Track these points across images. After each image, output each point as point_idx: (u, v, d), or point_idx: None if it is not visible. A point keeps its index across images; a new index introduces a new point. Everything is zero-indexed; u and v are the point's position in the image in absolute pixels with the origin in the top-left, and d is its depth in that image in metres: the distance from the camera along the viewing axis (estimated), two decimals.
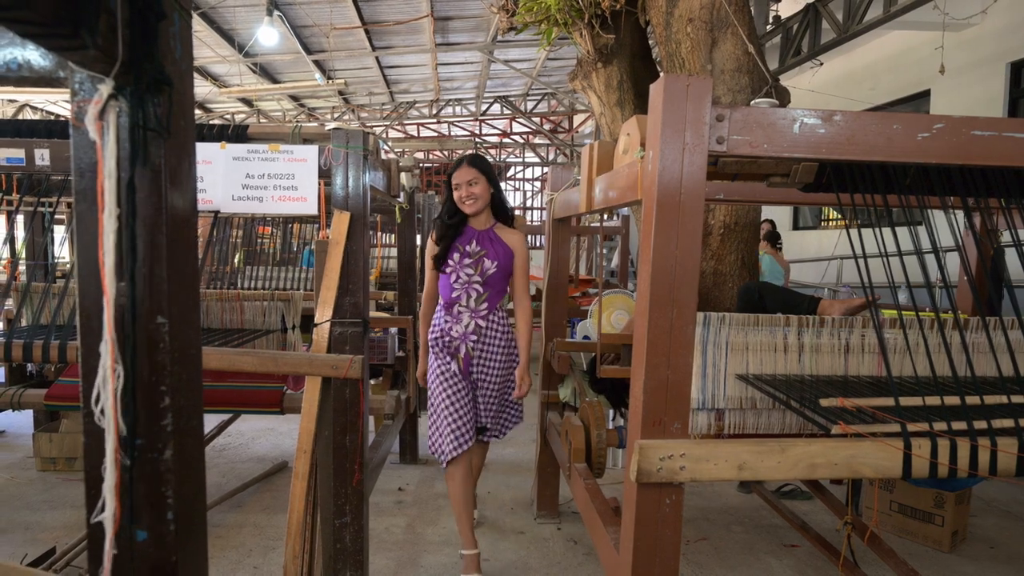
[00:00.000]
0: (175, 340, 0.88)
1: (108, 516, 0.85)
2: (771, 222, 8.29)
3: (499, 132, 21.22)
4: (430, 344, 3.35)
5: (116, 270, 0.81)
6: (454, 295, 3.27)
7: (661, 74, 5.09)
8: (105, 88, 0.78)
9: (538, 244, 16.86)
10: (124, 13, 0.76)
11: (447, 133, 20.50)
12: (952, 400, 1.79)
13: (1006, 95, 8.31)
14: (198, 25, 10.38)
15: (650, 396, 1.59)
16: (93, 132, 0.79)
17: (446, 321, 3.30)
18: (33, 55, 0.78)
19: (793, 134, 1.60)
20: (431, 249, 3.34)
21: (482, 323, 3.28)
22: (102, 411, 0.83)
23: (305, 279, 5.73)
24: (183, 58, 0.88)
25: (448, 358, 3.30)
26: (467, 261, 3.25)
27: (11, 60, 0.77)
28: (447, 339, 3.29)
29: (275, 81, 14.35)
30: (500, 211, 3.38)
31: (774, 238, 8.72)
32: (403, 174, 3.87)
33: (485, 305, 3.29)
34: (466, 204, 3.22)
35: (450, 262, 3.27)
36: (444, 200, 3.34)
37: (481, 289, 3.27)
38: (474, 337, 3.28)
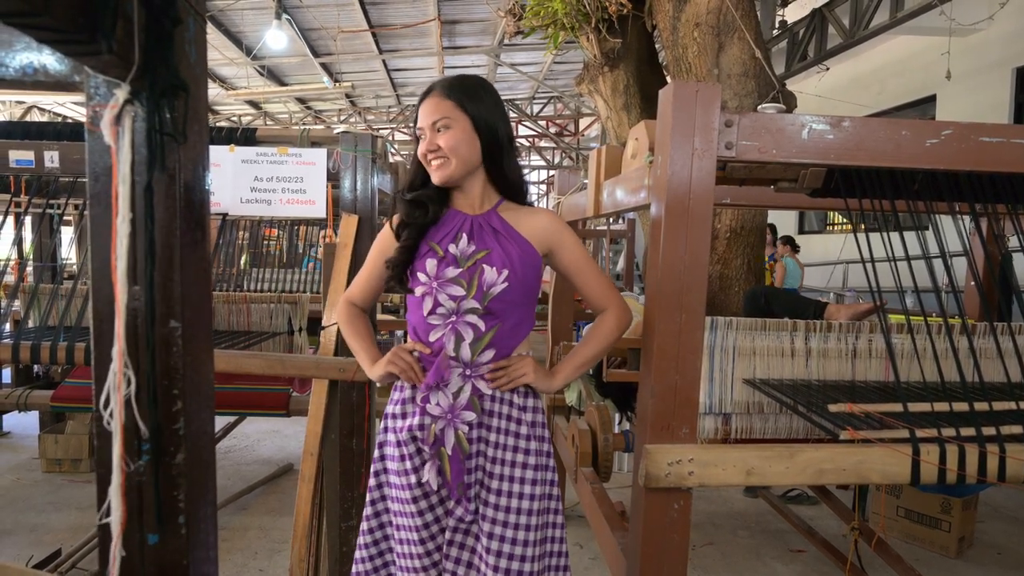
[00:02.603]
0: (188, 344, 0.88)
1: (115, 520, 0.86)
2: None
3: None
4: (381, 433, 1.93)
5: (129, 275, 0.82)
6: (433, 337, 1.82)
7: (667, 78, 5.11)
8: (121, 93, 0.79)
9: None
10: (140, 18, 0.77)
11: None
12: (960, 406, 1.78)
13: (1012, 100, 8.29)
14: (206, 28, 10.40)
15: (658, 401, 1.59)
16: (108, 137, 0.80)
17: (411, 388, 1.86)
18: (49, 59, 0.79)
19: (802, 140, 1.60)
20: (383, 244, 1.96)
21: (486, 390, 1.83)
22: (111, 415, 0.84)
23: (311, 281, 5.74)
24: (198, 63, 0.89)
25: (412, 463, 1.84)
26: (451, 272, 1.79)
27: (27, 65, 0.78)
28: (412, 425, 1.82)
29: (282, 84, 14.38)
30: (505, 180, 1.90)
31: (792, 241, 8.88)
32: None
33: (490, 355, 1.82)
34: (432, 165, 1.82)
35: (419, 275, 1.82)
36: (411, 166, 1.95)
37: (482, 324, 1.80)
38: (470, 419, 1.81)
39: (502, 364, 1.83)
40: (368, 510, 1.94)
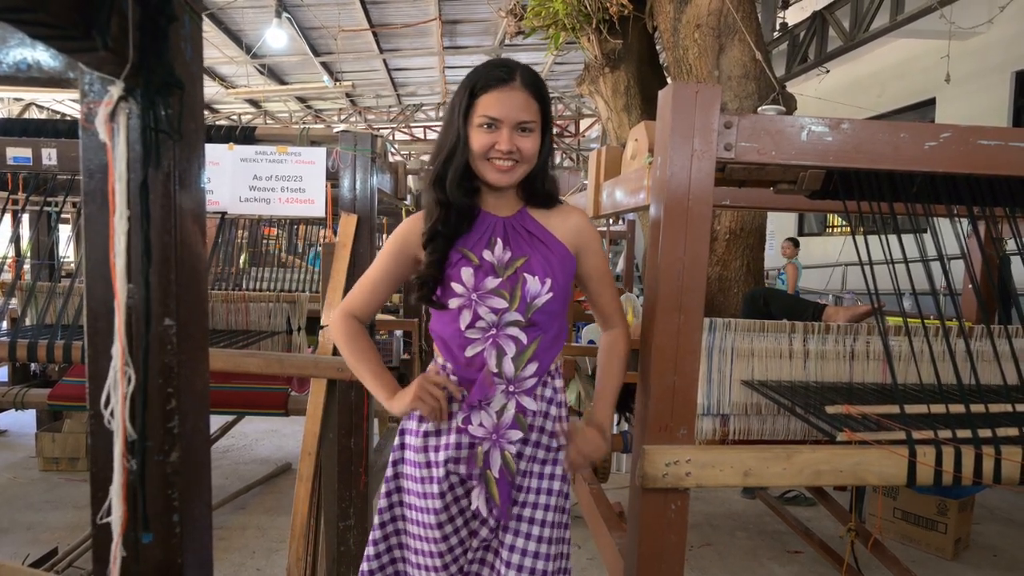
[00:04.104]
0: (183, 342, 0.88)
1: (115, 520, 0.86)
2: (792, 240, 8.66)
3: None
4: (396, 450, 1.80)
5: (125, 272, 0.82)
6: (471, 352, 1.67)
7: (668, 79, 5.11)
8: (116, 90, 0.78)
9: None
10: (135, 15, 0.77)
11: None
12: (957, 408, 1.78)
13: (1011, 104, 8.30)
14: (206, 26, 10.41)
15: (657, 401, 1.59)
16: (103, 134, 0.80)
17: (458, 411, 1.69)
18: (43, 56, 0.78)
19: (801, 142, 1.60)
20: (400, 249, 1.74)
21: (532, 406, 1.69)
22: (112, 414, 0.83)
23: (309, 280, 5.73)
24: (193, 60, 0.88)
25: (445, 489, 1.69)
26: (490, 283, 1.64)
27: (21, 61, 0.78)
28: (448, 445, 1.68)
29: (282, 83, 14.38)
30: (542, 184, 1.73)
31: (796, 242, 9.05)
32: (410, 177, 3.87)
33: (534, 369, 1.69)
34: (496, 164, 1.63)
35: (454, 286, 1.65)
36: (441, 152, 1.69)
37: (525, 337, 1.66)
38: (517, 438, 1.68)
39: (571, 455, 1.72)
40: (376, 533, 1.79)
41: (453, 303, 1.65)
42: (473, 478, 1.67)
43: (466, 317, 1.65)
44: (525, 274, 1.65)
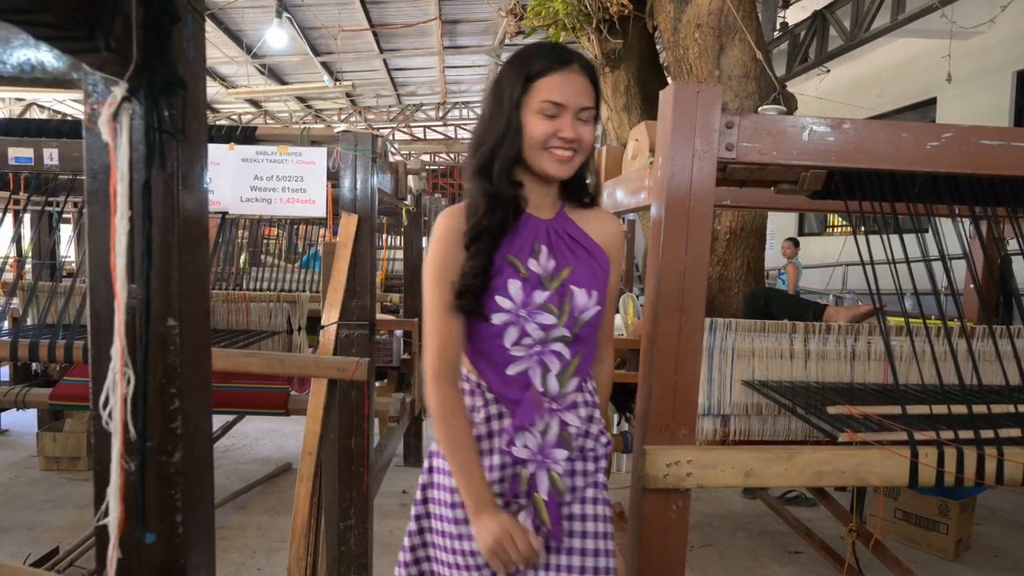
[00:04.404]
0: (186, 342, 0.88)
1: (112, 521, 0.86)
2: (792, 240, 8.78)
3: None
4: (426, 474, 1.67)
5: (128, 272, 0.82)
6: (513, 371, 1.53)
7: (668, 79, 5.11)
8: (119, 90, 0.78)
9: None
10: (139, 15, 0.77)
11: (454, 136, 20.51)
12: (959, 409, 1.78)
13: (1012, 104, 8.30)
14: (206, 26, 10.40)
15: (658, 402, 1.59)
16: (106, 134, 0.80)
17: (499, 431, 1.55)
18: (47, 56, 0.78)
19: (802, 142, 1.60)
20: (449, 260, 1.50)
21: (574, 423, 1.56)
22: (110, 414, 0.83)
23: (309, 281, 5.73)
24: (196, 60, 0.88)
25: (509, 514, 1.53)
26: (539, 297, 1.50)
27: (25, 61, 0.78)
28: (502, 472, 1.54)
29: (282, 82, 14.38)
30: (582, 176, 1.60)
31: (797, 242, 9.11)
32: (410, 177, 3.87)
33: (576, 384, 1.57)
34: (555, 155, 1.48)
35: (499, 300, 1.49)
36: (483, 142, 1.52)
37: (568, 352, 1.54)
38: (563, 457, 1.55)
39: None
40: (407, 555, 1.66)
41: (498, 318, 1.49)
42: (519, 500, 1.55)
43: (512, 334, 1.50)
44: (572, 286, 1.52)
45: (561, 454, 1.54)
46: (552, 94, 1.44)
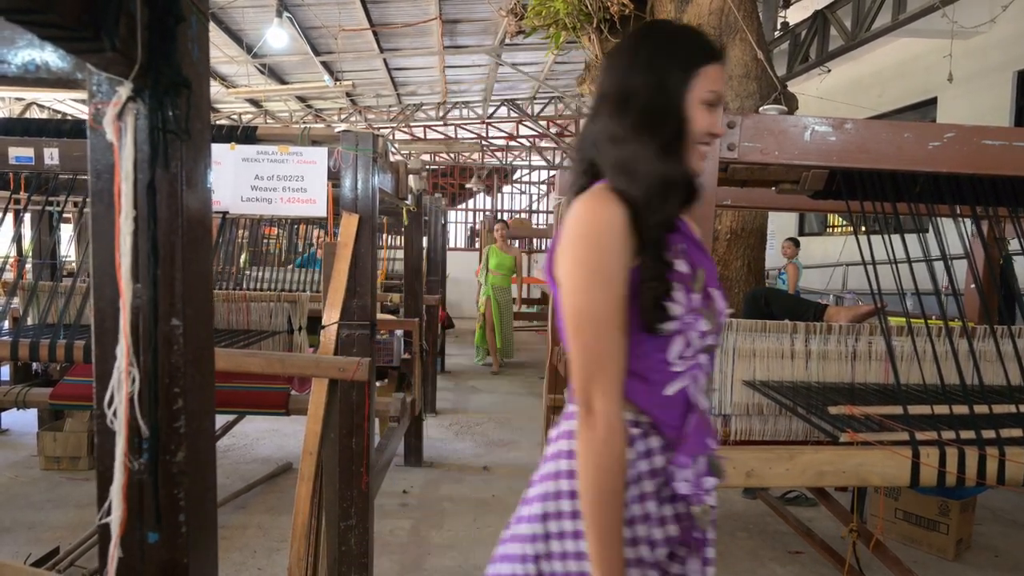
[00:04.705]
0: (189, 342, 0.88)
1: (115, 520, 0.86)
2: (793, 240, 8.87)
3: (506, 135, 21.22)
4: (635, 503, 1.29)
5: (132, 272, 0.82)
6: (672, 390, 1.31)
7: None
8: (124, 90, 0.79)
9: (544, 248, 16.90)
10: (143, 16, 0.77)
11: (454, 136, 20.51)
12: (960, 409, 1.78)
13: (1012, 103, 8.29)
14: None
15: None
16: (111, 134, 0.80)
17: (663, 460, 1.30)
18: (51, 57, 0.78)
19: (804, 142, 1.60)
20: (609, 265, 1.23)
21: (713, 444, 1.35)
22: (115, 413, 0.83)
23: (309, 281, 5.73)
24: (200, 60, 0.88)
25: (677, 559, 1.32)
26: (695, 301, 1.30)
27: (29, 62, 0.78)
28: (681, 519, 1.31)
29: (283, 82, 14.37)
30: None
31: (797, 242, 9.15)
32: (411, 176, 3.87)
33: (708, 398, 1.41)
34: (700, 150, 1.34)
35: (673, 306, 1.26)
36: (644, 128, 1.29)
37: (710, 363, 1.38)
38: (713, 485, 1.31)
39: None
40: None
41: (670, 327, 1.27)
42: (689, 545, 1.31)
43: (678, 346, 1.29)
44: (711, 289, 1.35)
45: (712, 482, 1.31)
46: (717, 84, 1.30)
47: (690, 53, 1.31)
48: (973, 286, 3.11)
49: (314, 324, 3.39)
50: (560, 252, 1.28)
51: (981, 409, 1.78)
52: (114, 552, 0.86)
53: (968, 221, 2.21)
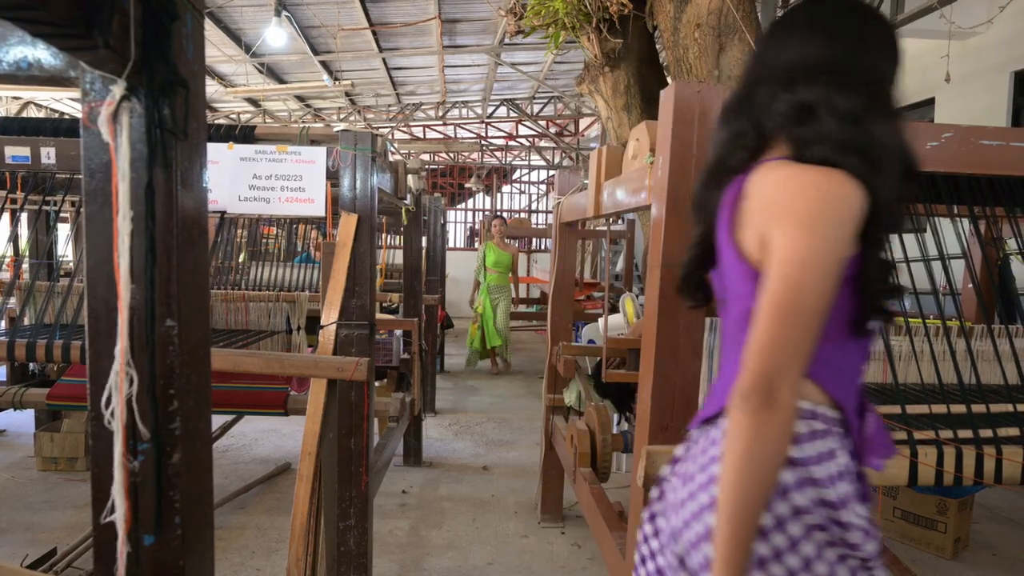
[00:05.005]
0: (184, 343, 0.88)
1: (119, 517, 0.85)
2: None
3: (505, 135, 21.23)
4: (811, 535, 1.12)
5: (130, 273, 0.81)
6: (861, 379, 1.25)
7: (668, 79, 5.11)
8: (117, 89, 0.78)
9: (543, 247, 16.91)
10: (137, 13, 0.76)
11: (453, 135, 20.51)
12: (958, 408, 1.78)
13: (1010, 104, 8.29)
14: (205, 24, 10.39)
15: (658, 401, 1.59)
16: (106, 133, 0.79)
17: (852, 459, 1.17)
18: (44, 54, 0.78)
19: None
20: (838, 248, 1.08)
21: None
22: (112, 414, 0.83)
23: (307, 280, 5.72)
24: (195, 59, 0.88)
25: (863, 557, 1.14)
26: None
27: (21, 59, 0.77)
28: (871, 532, 1.14)
29: (281, 81, 14.36)
30: None
31: None
32: (410, 176, 3.87)
33: None
34: None
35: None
36: (892, 110, 1.25)
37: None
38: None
39: None
40: None
41: (870, 328, 1.20)
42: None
43: (873, 340, 1.24)
44: None
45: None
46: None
47: (896, 46, 1.28)
48: (971, 286, 3.11)
49: (313, 324, 3.39)
50: (776, 221, 1.11)
51: (979, 408, 1.78)
52: (123, 549, 0.86)
53: (966, 221, 2.20)
